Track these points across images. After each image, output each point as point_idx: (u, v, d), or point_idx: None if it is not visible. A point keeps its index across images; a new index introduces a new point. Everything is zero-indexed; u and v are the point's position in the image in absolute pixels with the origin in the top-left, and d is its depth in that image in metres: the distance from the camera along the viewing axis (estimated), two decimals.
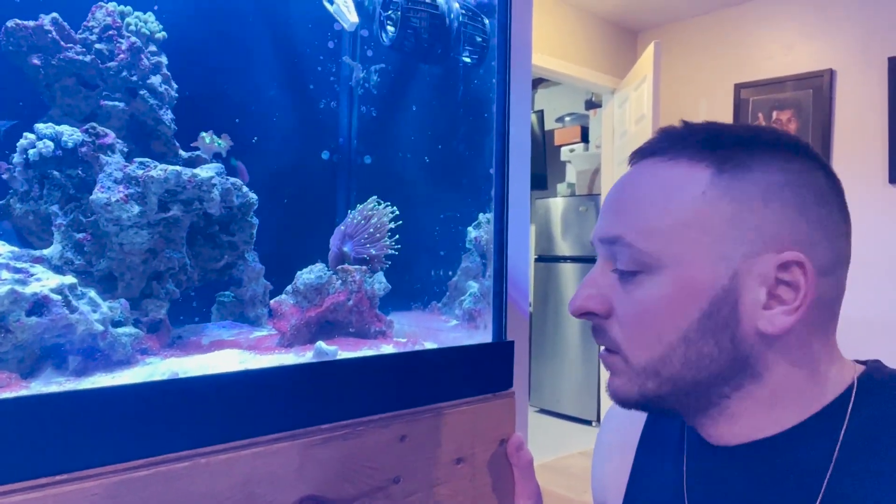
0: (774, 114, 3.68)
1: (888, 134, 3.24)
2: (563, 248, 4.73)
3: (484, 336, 0.88)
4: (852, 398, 0.53)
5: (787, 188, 0.52)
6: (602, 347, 0.59)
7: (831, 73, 3.47)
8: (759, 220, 0.51)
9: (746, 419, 0.55)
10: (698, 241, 0.52)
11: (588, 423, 4.45)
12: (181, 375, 0.60)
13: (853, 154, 3.38)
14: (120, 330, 0.65)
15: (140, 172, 0.67)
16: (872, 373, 0.56)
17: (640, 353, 0.54)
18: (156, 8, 0.83)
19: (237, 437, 0.58)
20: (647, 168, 0.56)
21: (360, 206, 0.85)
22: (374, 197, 0.85)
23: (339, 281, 0.79)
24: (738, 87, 3.83)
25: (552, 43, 3.79)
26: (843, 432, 0.52)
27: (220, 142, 0.82)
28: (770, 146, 0.53)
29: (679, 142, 0.55)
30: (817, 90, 3.50)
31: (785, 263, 0.50)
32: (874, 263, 3.09)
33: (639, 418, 0.72)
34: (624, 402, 0.57)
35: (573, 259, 4.65)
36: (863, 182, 3.29)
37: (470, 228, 1.09)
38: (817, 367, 0.54)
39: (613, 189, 0.59)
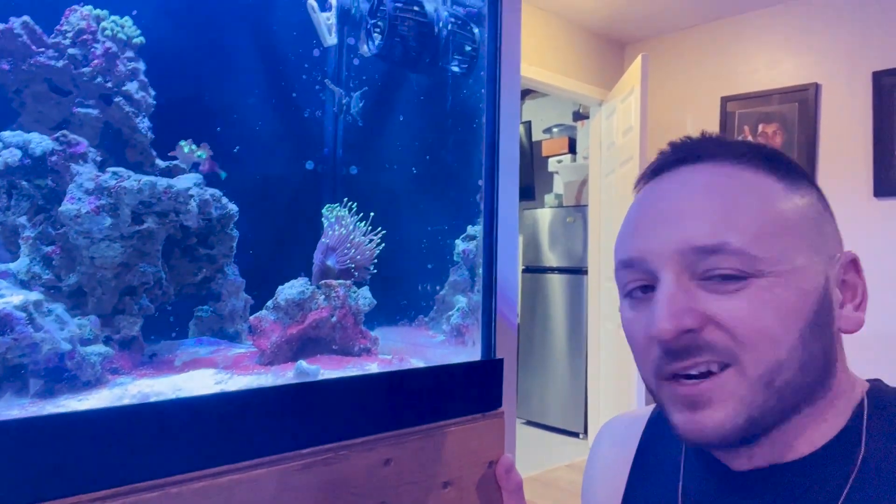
0: (760, 127, 3.70)
1: (873, 147, 3.26)
2: (551, 258, 4.72)
3: (472, 352, 0.86)
4: (864, 423, 0.52)
5: (823, 200, 0.55)
6: (674, 382, 0.51)
7: (816, 87, 3.50)
8: (826, 225, 0.54)
9: (788, 438, 0.53)
10: (799, 243, 0.51)
11: (575, 435, 4.42)
12: (153, 398, 0.56)
13: (839, 167, 3.40)
14: (89, 349, 0.62)
15: (113, 183, 0.64)
16: (876, 392, 0.55)
17: (759, 358, 0.49)
18: (134, 13, 0.80)
19: (211, 465, 0.55)
20: (712, 171, 0.53)
21: (332, 218, 0.82)
22: (336, 206, 0.82)
23: (322, 296, 0.76)
24: (725, 100, 3.85)
25: (540, 54, 3.80)
26: (859, 460, 0.51)
27: (199, 151, 0.79)
28: (793, 163, 0.56)
29: (726, 148, 0.55)
30: (803, 104, 3.53)
31: (845, 264, 0.54)
32: None
33: (633, 438, 0.70)
34: (727, 435, 0.50)
35: (560, 270, 4.64)
36: (848, 195, 3.32)
37: (458, 241, 1.07)
38: (850, 379, 0.55)
39: (670, 195, 0.54)
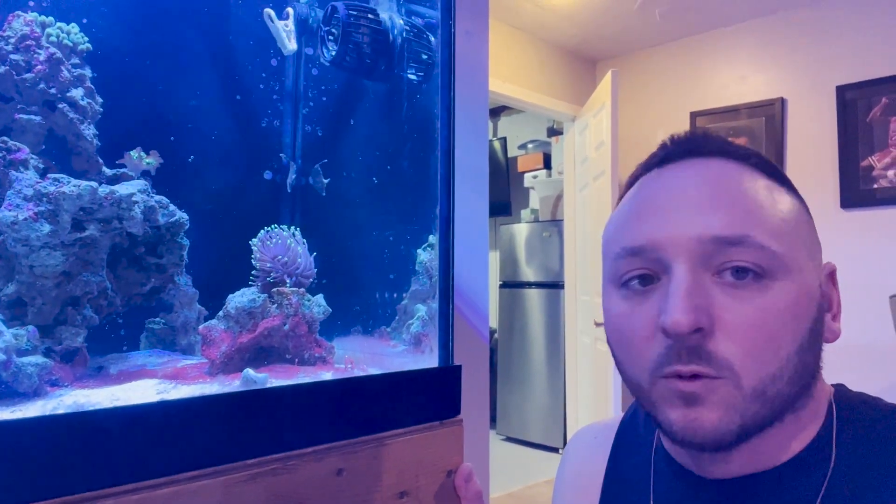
0: None
1: (838, 160, 3.33)
2: (528, 273, 4.73)
3: (430, 360, 0.85)
4: (834, 430, 0.52)
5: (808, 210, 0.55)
6: (680, 382, 0.48)
7: (782, 102, 3.57)
8: (815, 234, 0.54)
9: (766, 447, 0.52)
10: (805, 247, 0.51)
11: (555, 450, 4.40)
12: (88, 408, 0.55)
13: (805, 180, 3.46)
14: (26, 359, 0.60)
15: (52, 189, 0.63)
16: (842, 397, 0.55)
17: (756, 371, 0.47)
18: (85, 21, 0.79)
19: (150, 476, 0.53)
20: (730, 167, 0.52)
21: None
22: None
23: (275, 304, 0.74)
24: (694, 115, 3.92)
25: (514, 72, 3.84)
26: (830, 467, 0.50)
27: (148, 160, 0.77)
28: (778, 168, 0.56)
29: (728, 147, 0.54)
30: (769, 118, 3.60)
31: (827, 274, 0.54)
32: None
33: (603, 451, 0.69)
34: (721, 438, 0.48)
35: (538, 285, 4.65)
36: (815, 207, 3.33)
37: (419, 251, 1.06)
38: (823, 387, 0.55)
39: (686, 184, 0.51)
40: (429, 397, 0.76)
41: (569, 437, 4.24)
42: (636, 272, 0.52)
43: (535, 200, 5.16)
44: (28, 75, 0.70)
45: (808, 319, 0.49)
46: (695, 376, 0.48)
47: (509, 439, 4.70)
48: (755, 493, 0.52)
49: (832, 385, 0.56)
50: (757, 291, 0.47)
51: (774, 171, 0.54)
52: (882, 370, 3.12)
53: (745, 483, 0.52)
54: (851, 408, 0.53)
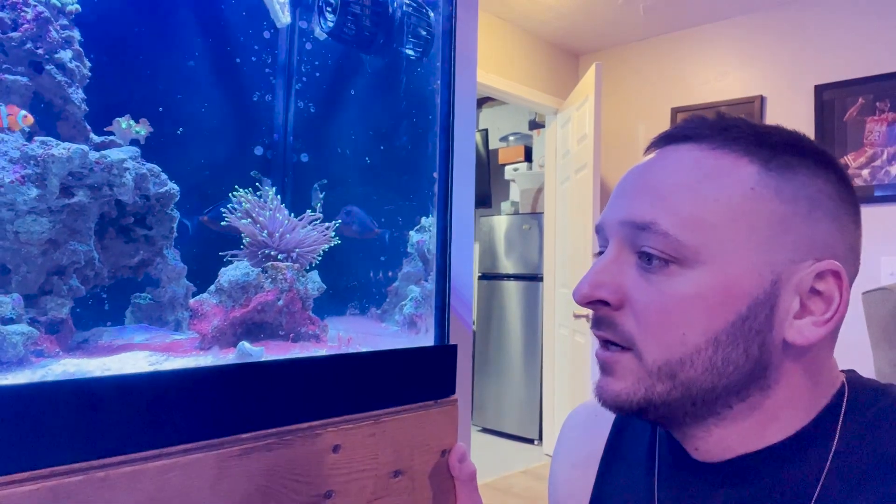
0: None
1: None
2: (507, 265, 4.74)
3: (425, 341, 0.84)
4: (841, 415, 0.51)
5: (830, 199, 0.51)
6: (598, 345, 0.54)
7: (762, 100, 3.62)
8: (805, 226, 0.49)
9: (740, 432, 0.52)
10: (745, 238, 0.48)
11: (531, 441, 4.43)
12: (78, 377, 0.52)
13: None
14: (10, 328, 0.57)
15: (40, 151, 0.60)
16: (854, 384, 0.54)
17: (658, 351, 0.50)
18: None
19: (142, 448, 0.51)
20: (685, 153, 0.52)
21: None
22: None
23: (269, 279, 0.72)
24: (675, 111, 3.95)
25: (497, 62, 3.83)
26: (832, 451, 0.50)
27: (138, 128, 0.75)
28: (812, 153, 0.52)
29: (720, 132, 0.52)
30: (749, 116, 3.64)
31: (822, 273, 0.49)
32: None
33: (602, 430, 0.68)
34: (622, 406, 0.52)
35: (517, 277, 4.66)
36: None
37: (412, 232, 1.05)
38: (820, 380, 0.52)
39: (639, 170, 0.54)
40: (424, 376, 0.75)
41: (545, 428, 4.27)
42: (601, 249, 0.57)
43: (515, 193, 5.16)
44: (14, 34, 0.67)
45: (728, 313, 0.48)
46: (607, 343, 0.53)
47: (486, 430, 4.72)
48: (748, 474, 0.52)
49: (843, 371, 0.55)
50: (663, 277, 0.50)
51: (771, 153, 0.50)
52: (854, 367, 3.19)
53: (736, 465, 0.52)
54: (860, 394, 0.52)
